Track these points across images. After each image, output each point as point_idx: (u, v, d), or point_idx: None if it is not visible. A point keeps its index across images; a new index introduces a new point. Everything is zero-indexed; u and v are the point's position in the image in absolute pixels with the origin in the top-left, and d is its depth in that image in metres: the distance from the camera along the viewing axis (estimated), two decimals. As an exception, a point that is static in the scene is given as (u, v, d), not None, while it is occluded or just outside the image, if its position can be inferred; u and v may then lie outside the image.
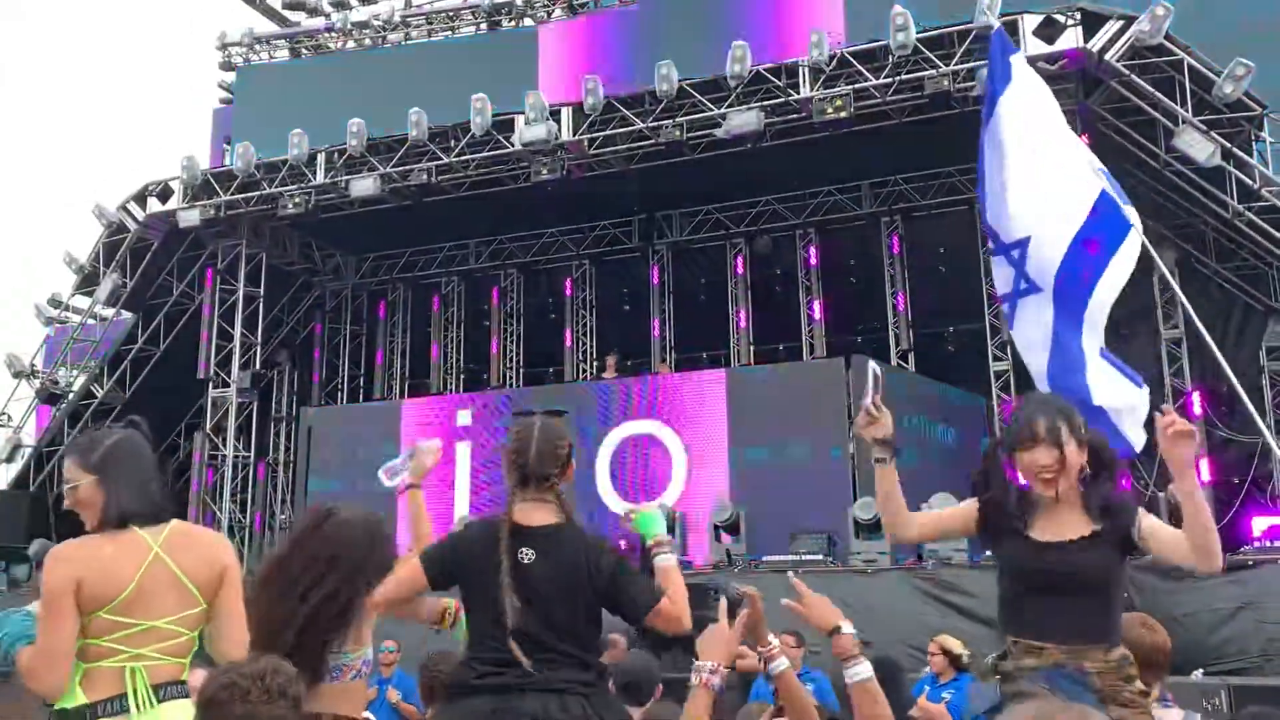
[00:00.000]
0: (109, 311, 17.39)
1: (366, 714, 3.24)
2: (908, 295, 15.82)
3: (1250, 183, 11.80)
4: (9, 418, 17.63)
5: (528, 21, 18.27)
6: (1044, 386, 4.42)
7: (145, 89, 62.12)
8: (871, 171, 15.70)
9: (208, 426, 16.53)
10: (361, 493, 14.44)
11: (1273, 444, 12.56)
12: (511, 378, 18.04)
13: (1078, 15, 12.11)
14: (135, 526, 2.86)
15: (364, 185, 14.99)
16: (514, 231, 17.88)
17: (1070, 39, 12.14)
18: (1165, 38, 11.76)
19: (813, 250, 16.46)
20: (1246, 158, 11.83)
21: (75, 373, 17.61)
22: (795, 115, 13.38)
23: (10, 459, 17.42)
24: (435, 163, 14.92)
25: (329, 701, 2.76)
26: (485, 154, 14.74)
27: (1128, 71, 11.92)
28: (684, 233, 17.25)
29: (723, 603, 2.85)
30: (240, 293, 16.73)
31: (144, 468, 2.97)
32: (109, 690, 2.70)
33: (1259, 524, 11.26)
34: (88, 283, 17.12)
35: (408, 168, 15.00)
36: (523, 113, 14.13)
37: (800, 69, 13.22)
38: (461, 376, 18.42)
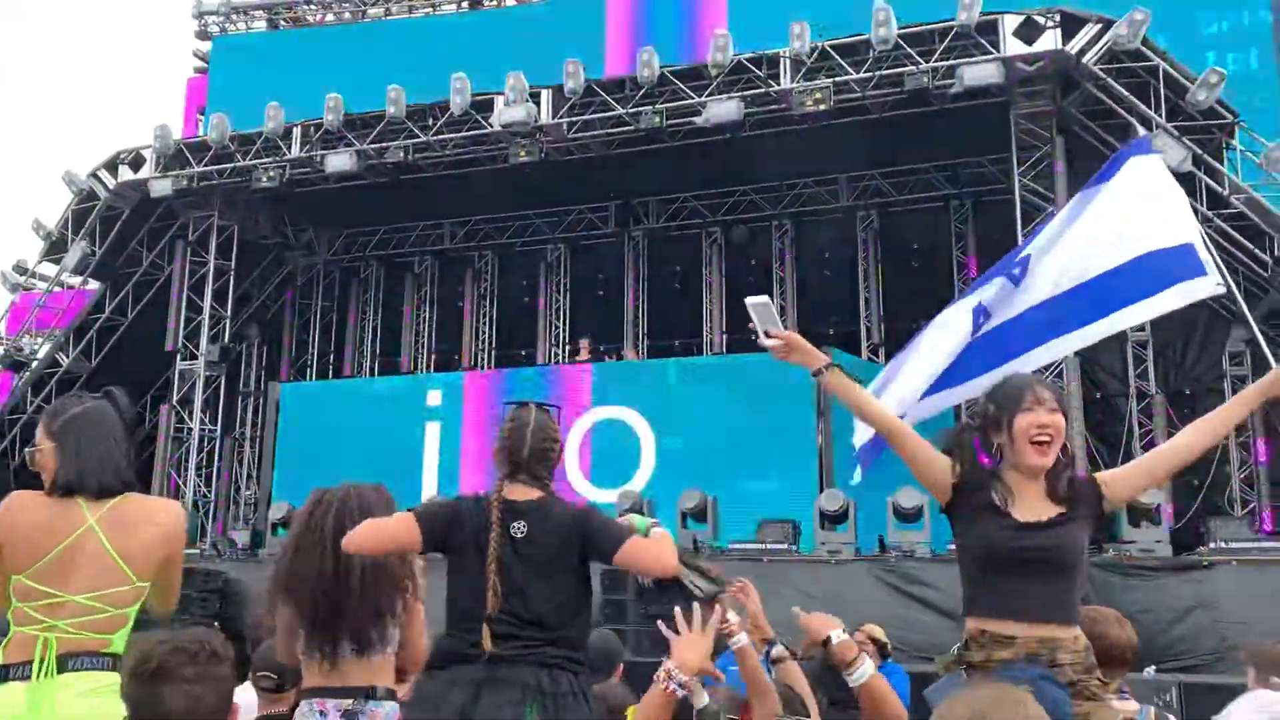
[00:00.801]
0: (77, 279, 17.18)
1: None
2: (880, 289, 15.93)
3: (1220, 190, 11.96)
4: (-29, 384, 17.39)
5: (510, 1, 18.17)
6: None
7: (119, 55, 61.19)
8: (849, 165, 15.77)
9: (174, 399, 16.39)
10: (331, 469, 14.39)
11: (1233, 448, 12.82)
12: (484, 359, 18.00)
13: (1057, 17, 12.22)
14: (80, 497, 2.84)
15: (340, 161, 14.88)
16: (490, 213, 17.81)
17: (1049, 40, 12.24)
18: (1142, 43, 11.90)
19: (788, 241, 16.53)
20: (1217, 165, 11.99)
21: (40, 340, 17.39)
22: (775, 106, 13.41)
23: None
24: (413, 141, 14.83)
25: (378, 674, 2.84)
26: (463, 134, 14.66)
27: (1104, 75, 12.04)
28: (660, 220, 17.26)
29: (696, 610, 2.84)
30: (211, 265, 16.57)
31: (104, 438, 2.94)
32: (23, 656, 2.71)
33: None
34: (55, 250, 16.89)
35: (385, 145, 14.89)
36: (502, 93, 14.07)
37: (781, 60, 13.25)
38: (433, 357, 18.36)
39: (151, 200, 16.15)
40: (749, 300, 3.07)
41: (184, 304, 16.46)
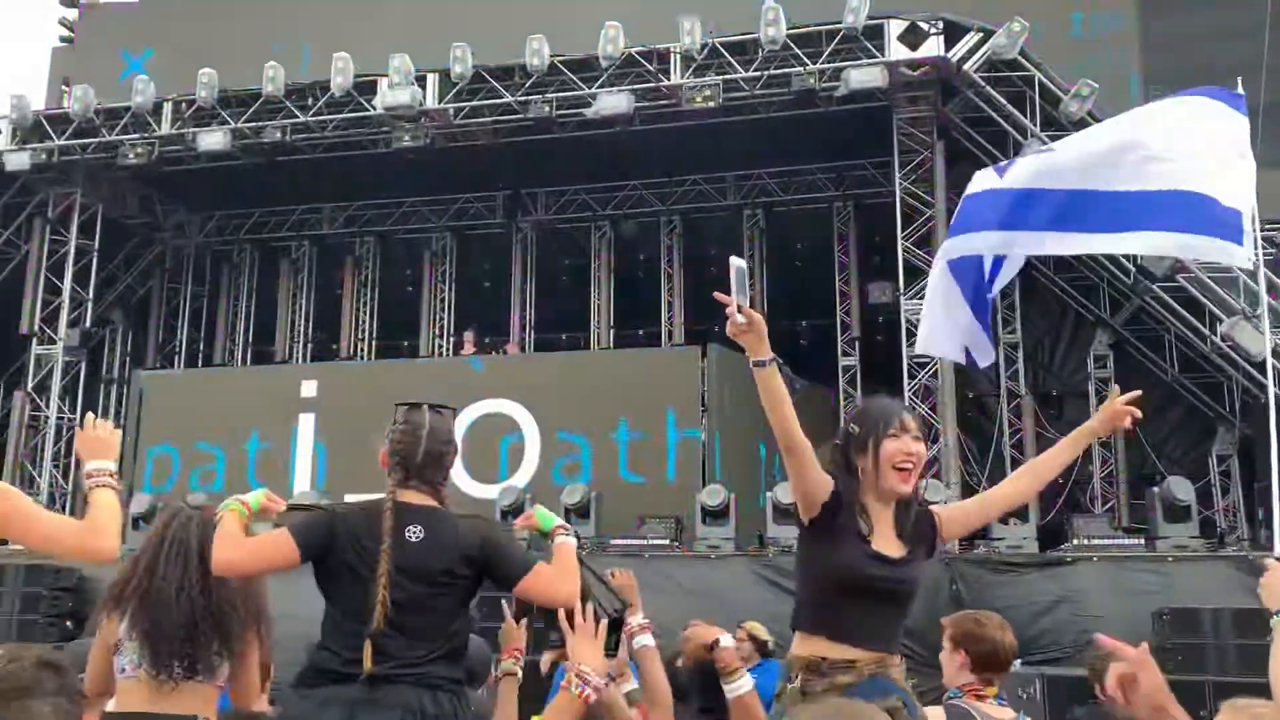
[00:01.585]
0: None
1: None
2: (764, 288, 16.08)
3: (1088, 198, 12.42)
4: None
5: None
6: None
7: (-24, 20, 57.63)
8: (737, 163, 15.87)
9: (29, 385, 15.50)
10: (198, 462, 13.79)
11: (1095, 447, 13.33)
12: (363, 349, 17.51)
13: (940, 24, 12.51)
14: None
15: (213, 139, 14.25)
16: (372, 198, 17.32)
17: (932, 47, 12.53)
18: (1020, 53, 12.27)
19: (675, 237, 16.55)
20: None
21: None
22: (665, 101, 13.39)
23: None
24: (291, 121, 14.30)
25: (200, 702, 2.76)
26: (344, 115, 14.22)
27: (984, 83, 12.38)
28: (549, 211, 17.07)
29: (586, 610, 2.75)
30: (72, 245, 15.69)
31: None
32: None
33: None
34: (-104, 224, 15.78)
35: (261, 124, 14.33)
36: (386, 75, 13.68)
37: (672, 55, 13.23)
38: (309, 346, 17.76)
39: (6, 174, 15.20)
40: (734, 260, 2.95)
41: (41, 285, 15.57)
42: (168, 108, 14.63)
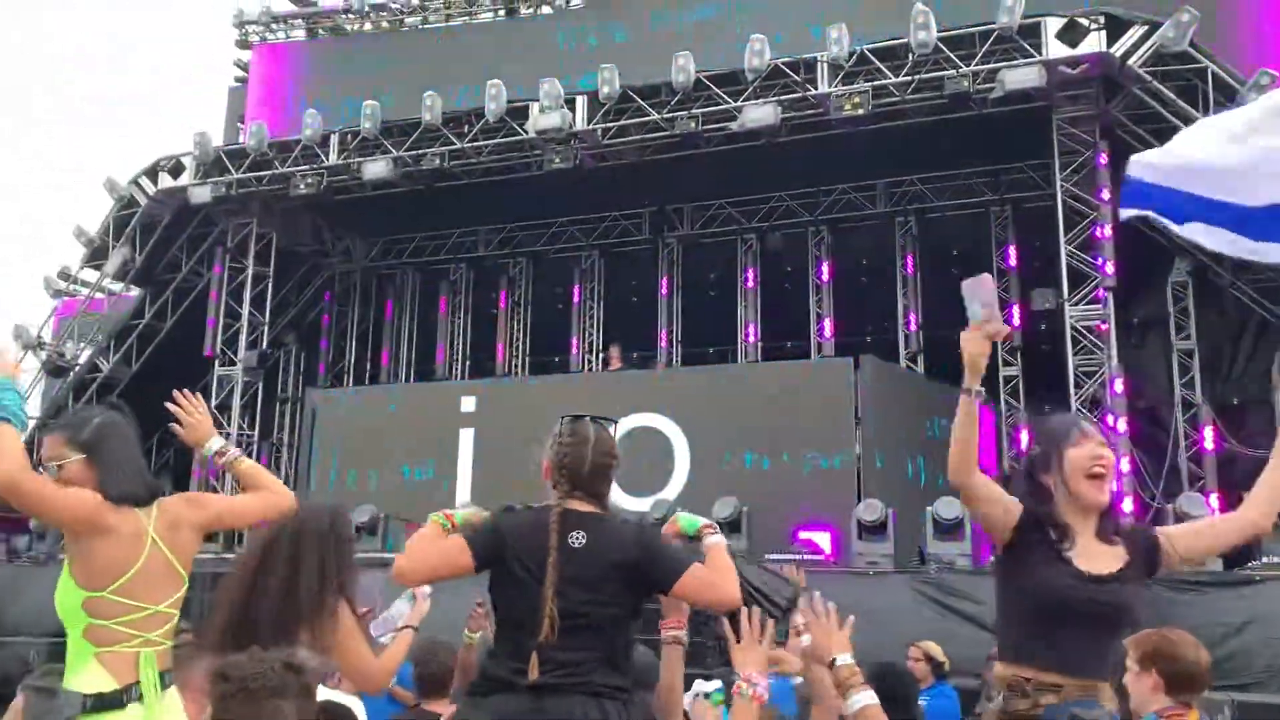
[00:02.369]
0: (117, 286, 17.36)
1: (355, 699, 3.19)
2: (919, 296, 15.72)
3: (1270, 194, 11.66)
4: (14, 389, 17.59)
5: (546, 9, 18.17)
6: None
7: (162, 64, 62.11)
8: (887, 170, 15.58)
9: (212, 405, 16.49)
10: (366, 475, 14.41)
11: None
12: (517, 366, 17.98)
13: (1101, 20, 12.00)
14: (132, 507, 2.82)
15: (376, 168, 14.93)
16: (524, 220, 17.79)
17: (1093, 43, 12.03)
18: (1190, 45, 11.64)
19: (825, 248, 16.36)
20: (1267, 169, 11.69)
21: (82, 346, 17.59)
22: (812, 111, 13.28)
23: (14, 432, 17.40)
24: (448, 148, 14.85)
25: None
26: (499, 140, 14.66)
27: (1150, 78, 11.79)
28: (695, 226, 17.15)
29: (752, 615, 2.73)
30: (249, 272, 16.68)
31: (133, 448, 2.96)
32: (128, 676, 2.68)
33: None
34: (97, 256, 17.08)
35: (421, 152, 14.93)
36: (538, 100, 14.05)
37: (819, 64, 13.11)
38: (467, 364, 18.36)
39: (191, 207, 16.29)
40: (985, 277, 2.87)
41: (223, 310, 16.57)
42: (334, 139, 15.41)
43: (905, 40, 12.59)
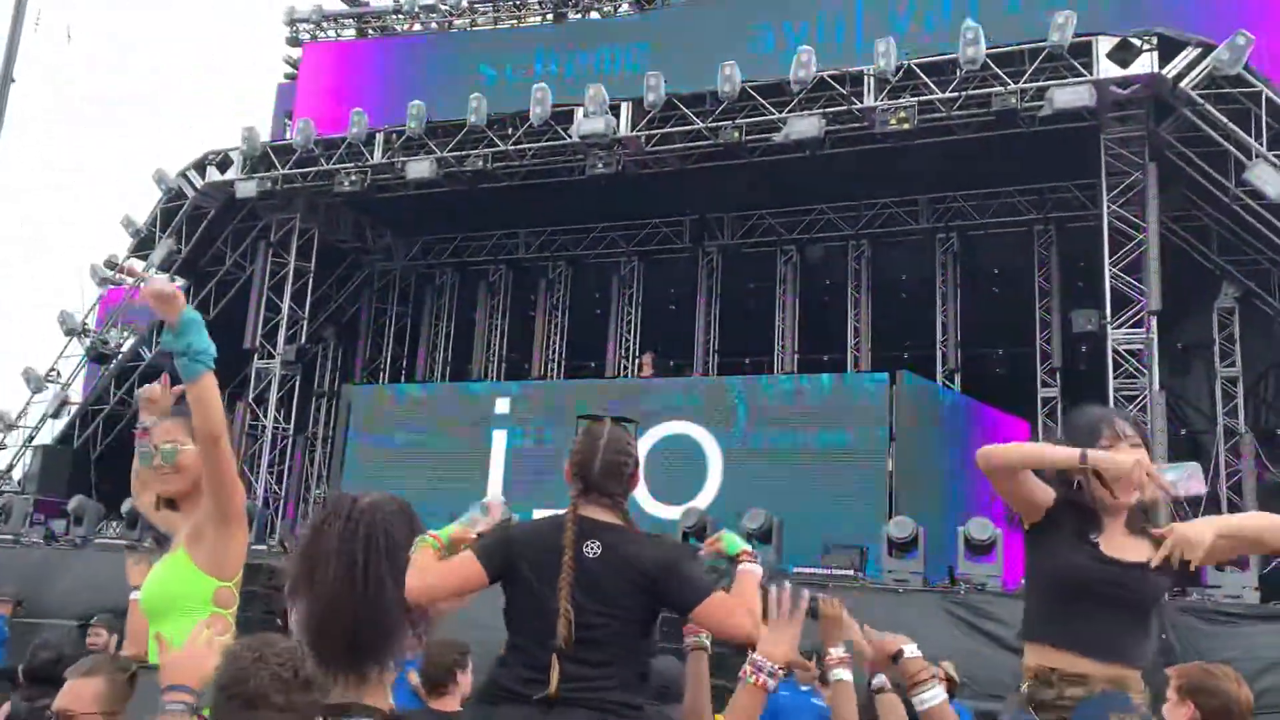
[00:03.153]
0: (162, 276, 17.62)
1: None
2: (958, 314, 15.60)
3: (1323, 222, 11.47)
4: (58, 374, 17.92)
5: (594, 14, 18.25)
6: None
7: (214, 59, 62.98)
8: (930, 186, 15.48)
9: (250, 397, 16.68)
10: (398, 472, 14.49)
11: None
12: (553, 369, 18.03)
13: (1154, 40, 11.85)
14: None
15: (420, 168, 15.05)
16: (565, 224, 17.85)
17: (1145, 64, 11.88)
18: (1244, 68, 11.47)
19: (865, 262, 16.28)
20: (1321, 196, 11.50)
21: (125, 334, 17.86)
22: (856, 124, 13.22)
23: (57, 415, 17.71)
24: (492, 149, 14.94)
25: (369, 693, 2.58)
26: (542, 144, 14.73)
27: (1202, 100, 11.63)
28: (735, 236, 17.13)
29: (782, 595, 2.62)
30: (291, 266, 16.87)
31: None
32: None
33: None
34: (143, 246, 17.35)
35: (464, 153, 15.02)
36: (583, 105, 14.10)
37: (865, 78, 13.06)
38: (503, 365, 18.45)
39: (237, 201, 16.50)
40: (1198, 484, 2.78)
41: (263, 303, 16.76)
42: (379, 138, 15.55)
43: (954, 56, 12.50)
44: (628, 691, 2.69)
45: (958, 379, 15.35)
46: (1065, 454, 2.70)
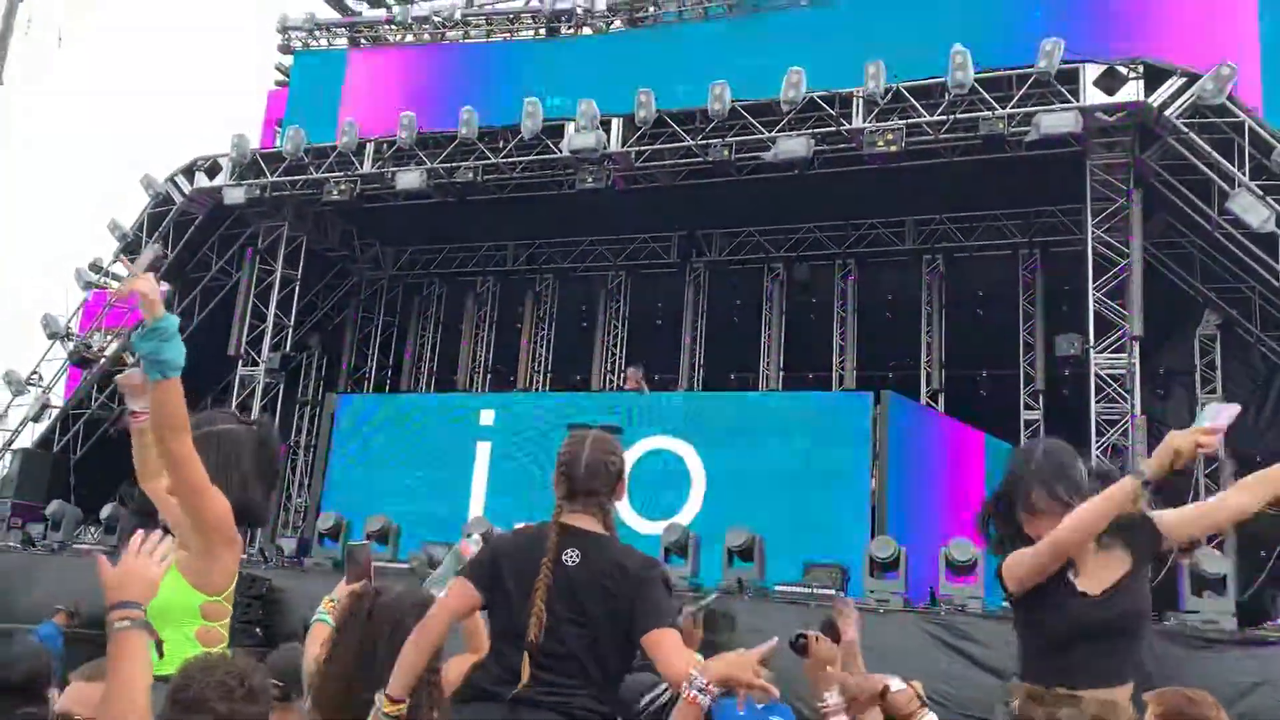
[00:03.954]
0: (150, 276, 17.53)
1: None
2: (942, 335, 15.68)
3: (1304, 251, 11.60)
4: (40, 377, 17.81)
5: (586, 30, 18.31)
6: None
7: (204, 65, 62.87)
8: (917, 208, 15.59)
9: (233, 404, 16.60)
10: (381, 484, 14.45)
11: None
12: (538, 381, 18.02)
13: (1140, 69, 11.98)
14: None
15: (409, 178, 15.05)
16: (553, 237, 17.88)
17: (1130, 91, 12.01)
18: (1228, 98, 11.61)
19: (851, 281, 16.36)
20: (1302, 226, 11.62)
21: (109, 338, 17.77)
22: (845, 145, 13.31)
23: (38, 419, 17.59)
24: (482, 162, 14.96)
25: None
26: (532, 157, 14.76)
27: (1186, 129, 11.76)
28: (723, 252, 17.20)
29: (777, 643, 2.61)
30: (278, 274, 16.83)
31: (243, 463, 3.02)
32: None
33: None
34: (129, 251, 17.27)
35: (454, 165, 15.05)
36: (574, 119, 14.15)
37: (854, 100, 13.15)
38: (488, 376, 18.43)
39: (224, 207, 16.46)
40: (1234, 409, 2.86)
41: (249, 310, 16.72)
42: (369, 148, 15.56)
43: (942, 80, 12.61)
44: (596, 700, 2.72)
45: (941, 400, 15.42)
46: (1124, 491, 2.73)
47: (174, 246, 16.90)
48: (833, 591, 10.56)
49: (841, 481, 12.59)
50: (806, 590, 10.67)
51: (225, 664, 2.09)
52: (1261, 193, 11.39)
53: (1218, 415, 2.82)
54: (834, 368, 16.15)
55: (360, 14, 19.90)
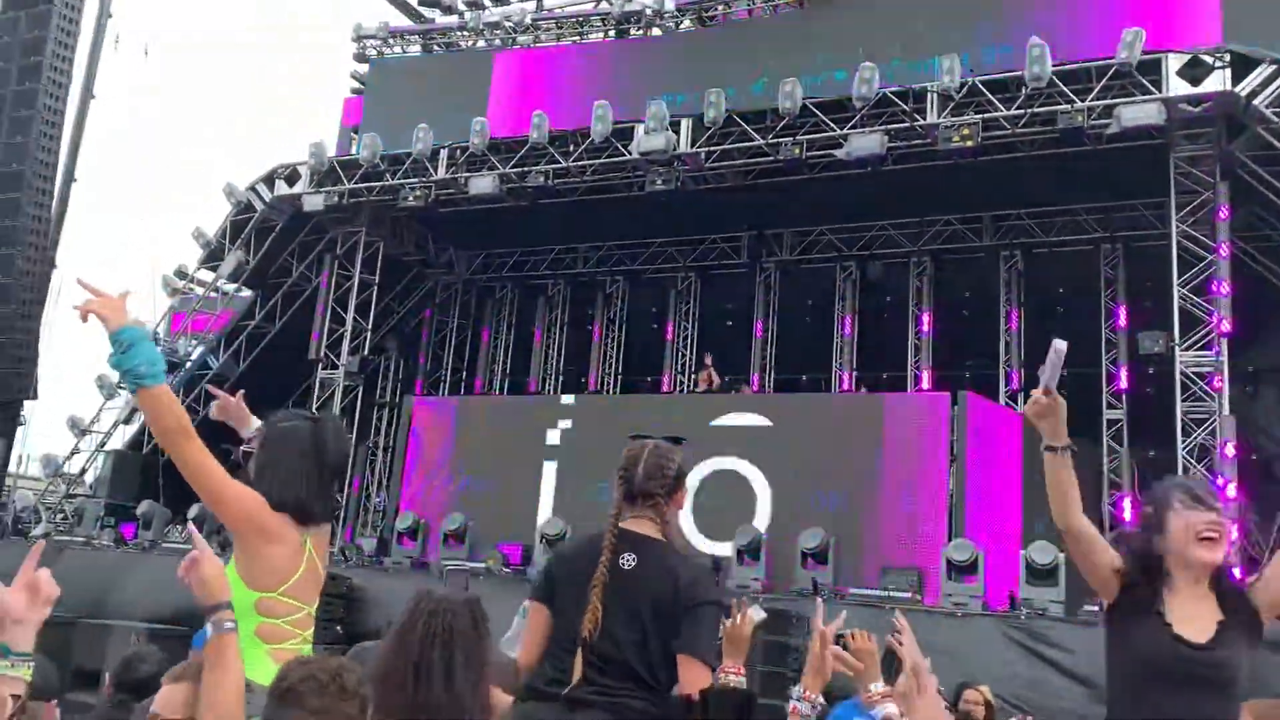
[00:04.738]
0: (231, 287, 18.04)
1: None
2: (1022, 333, 15.36)
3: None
4: (130, 381, 18.37)
5: (656, 31, 18.33)
6: None
7: (283, 76, 64.39)
8: (993, 203, 15.29)
9: (314, 406, 16.96)
10: (457, 484, 14.64)
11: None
12: (609, 383, 18.10)
13: (1226, 58, 11.62)
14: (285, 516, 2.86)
15: (483, 183, 15.25)
16: (623, 239, 17.94)
17: (1216, 81, 11.65)
18: (1321, 86, 11.20)
19: (926, 280, 16.12)
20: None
21: (194, 343, 18.30)
22: (919, 141, 13.12)
23: (128, 421, 18.18)
24: (553, 166, 15.08)
25: None
26: (603, 160, 14.84)
27: (1276, 118, 11.37)
28: (794, 252, 17.08)
29: (817, 622, 2.70)
30: (356, 279, 17.16)
31: (304, 460, 2.99)
32: None
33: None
34: (213, 258, 17.78)
35: (526, 169, 15.19)
36: (643, 121, 14.18)
37: (929, 94, 12.96)
38: (560, 378, 18.57)
39: (304, 214, 16.85)
40: (1056, 342, 2.83)
41: (328, 315, 17.07)
42: (443, 154, 15.79)
43: (1019, 74, 12.36)
44: (647, 703, 2.75)
45: (1020, 399, 15.10)
46: (1046, 464, 2.74)
47: (255, 253, 17.34)
48: (908, 596, 10.43)
49: (918, 483, 12.41)
50: (882, 594, 10.56)
51: (319, 661, 2.15)
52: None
53: (1052, 365, 2.78)
54: (909, 367, 15.92)
55: (433, 20, 20.18)
